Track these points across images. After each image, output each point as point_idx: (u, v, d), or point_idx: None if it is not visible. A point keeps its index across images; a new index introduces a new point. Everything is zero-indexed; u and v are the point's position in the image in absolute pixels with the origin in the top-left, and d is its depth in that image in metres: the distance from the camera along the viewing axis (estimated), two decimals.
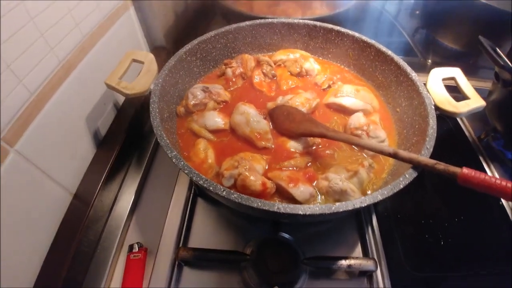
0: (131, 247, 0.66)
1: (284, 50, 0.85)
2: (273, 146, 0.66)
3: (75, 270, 0.59)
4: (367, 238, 0.66)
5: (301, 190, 0.57)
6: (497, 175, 0.84)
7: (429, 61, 1.19)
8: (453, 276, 0.66)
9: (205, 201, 0.73)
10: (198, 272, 0.63)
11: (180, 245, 0.65)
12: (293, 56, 0.82)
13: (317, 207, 0.45)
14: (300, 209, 0.45)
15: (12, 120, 0.52)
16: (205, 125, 0.68)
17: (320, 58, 0.88)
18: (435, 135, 0.58)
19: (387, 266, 0.63)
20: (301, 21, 0.83)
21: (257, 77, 0.80)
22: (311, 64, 0.82)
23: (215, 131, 0.68)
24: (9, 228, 0.50)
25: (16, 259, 0.52)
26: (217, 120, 0.68)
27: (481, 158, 0.87)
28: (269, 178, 0.59)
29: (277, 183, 0.58)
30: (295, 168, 0.63)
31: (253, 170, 0.58)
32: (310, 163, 0.64)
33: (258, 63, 0.82)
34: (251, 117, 0.66)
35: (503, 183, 0.44)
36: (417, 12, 1.39)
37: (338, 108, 0.74)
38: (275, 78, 0.81)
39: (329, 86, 0.79)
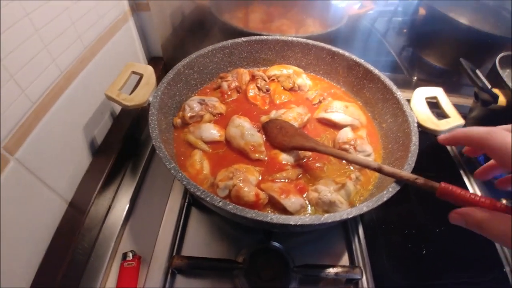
0: (125, 255, 0.67)
1: (278, 65, 0.89)
2: (266, 158, 0.69)
3: (69, 278, 0.60)
4: (353, 247, 0.69)
5: (292, 201, 0.59)
6: (477, 189, 0.88)
7: (415, 78, 1.25)
8: (434, 285, 0.70)
9: (198, 210, 0.75)
10: (191, 280, 0.65)
11: (174, 253, 0.66)
12: (286, 71, 0.86)
13: (307, 218, 0.48)
14: (291, 220, 0.47)
15: (14, 129, 0.53)
16: (201, 137, 0.70)
17: (312, 74, 0.92)
18: (417, 151, 0.62)
19: (372, 274, 0.66)
20: (294, 39, 0.87)
21: (252, 91, 0.83)
22: (303, 80, 0.86)
23: (211, 143, 0.71)
24: (4, 236, 0.51)
25: (10, 267, 0.53)
26: (212, 132, 0.71)
27: (461, 172, 0.92)
28: (262, 189, 0.61)
29: (270, 194, 0.61)
30: (286, 180, 0.65)
31: (247, 181, 0.61)
32: (301, 175, 0.67)
33: (253, 77, 0.86)
34: (245, 130, 0.69)
35: (477, 198, 0.48)
36: (405, 30, 1.46)
37: (328, 122, 0.78)
38: (269, 92, 0.85)
39: (320, 102, 0.83)
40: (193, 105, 0.73)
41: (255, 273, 0.63)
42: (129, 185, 0.80)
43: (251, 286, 0.61)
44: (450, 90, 0.76)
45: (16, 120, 0.54)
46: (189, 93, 0.81)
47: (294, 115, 0.74)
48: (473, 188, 0.89)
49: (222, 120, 0.76)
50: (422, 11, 1.29)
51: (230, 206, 0.48)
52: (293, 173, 0.67)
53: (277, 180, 0.65)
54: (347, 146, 0.70)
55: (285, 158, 0.68)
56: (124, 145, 0.80)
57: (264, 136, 0.72)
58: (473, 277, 0.71)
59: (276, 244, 0.68)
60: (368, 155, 0.71)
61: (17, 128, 0.54)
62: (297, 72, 0.87)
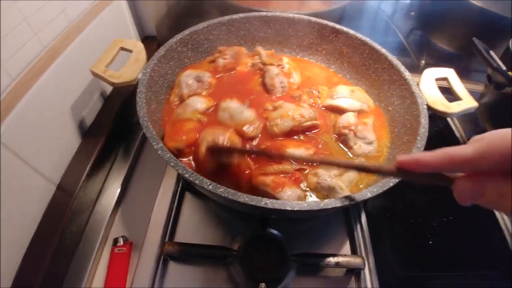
0: (115, 241, 0.64)
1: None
2: (259, 135, 0.64)
3: (57, 264, 0.57)
4: (355, 236, 0.66)
5: (288, 194, 0.55)
6: None
7: (423, 62, 1.19)
8: (439, 276, 0.66)
9: (192, 195, 0.72)
10: (183, 267, 0.62)
11: (166, 239, 0.63)
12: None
13: (305, 203, 0.44)
14: (288, 205, 0.44)
15: None
16: (196, 109, 0.66)
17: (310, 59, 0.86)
18: (427, 134, 0.57)
19: (375, 264, 0.62)
20: (295, 15, 0.81)
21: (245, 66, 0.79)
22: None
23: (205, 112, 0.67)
24: None
25: None
26: (202, 101, 0.68)
27: None
28: (253, 186, 0.57)
29: (263, 190, 0.56)
30: (281, 175, 0.59)
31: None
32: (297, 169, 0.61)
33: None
34: (232, 110, 0.64)
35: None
36: (412, 13, 1.39)
37: (336, 110, 0.72)
38: (261, 71, 0.79)
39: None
40: (188, 81, 0.68)
41: (251, 261, 0.60)
42: (121, 168, 0.76)
43: (246, 275, 0.58)
44: (458, 75, 0.71)
45: None
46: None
47: (293, 115, 0.65)
48: None
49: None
50: None
51: (221, 190, 0.44)
52: (290, 166, 0.60)
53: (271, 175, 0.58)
54: (346, 131, 0.65)
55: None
56: (115, 126, 0.76)
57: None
58: (481, 269, 0.68)
59: (273, 231, 0.65)
60: (370, 143, 0.66)
61: None
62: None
